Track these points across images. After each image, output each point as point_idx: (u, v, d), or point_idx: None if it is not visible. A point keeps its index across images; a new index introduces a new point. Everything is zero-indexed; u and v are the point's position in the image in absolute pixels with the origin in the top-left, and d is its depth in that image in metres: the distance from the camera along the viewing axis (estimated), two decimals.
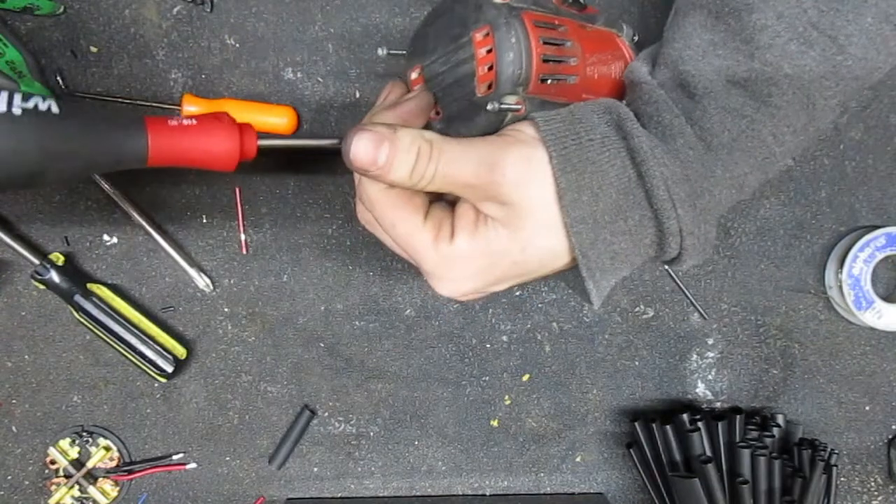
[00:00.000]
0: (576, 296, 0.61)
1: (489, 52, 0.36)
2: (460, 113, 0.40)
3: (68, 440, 0.60)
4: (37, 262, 0.55)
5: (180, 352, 0.58)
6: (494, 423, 0.63)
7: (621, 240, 0.35)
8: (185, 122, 0.34)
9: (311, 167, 0.58)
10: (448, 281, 0.36)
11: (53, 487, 0.60)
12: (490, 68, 0.36)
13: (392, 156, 0.32)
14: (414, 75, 0.43)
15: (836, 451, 0.61)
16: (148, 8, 0.55)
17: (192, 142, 0.35)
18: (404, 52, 0.45)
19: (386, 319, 0.61)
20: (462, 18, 0.38)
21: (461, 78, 0.39)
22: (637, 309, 0.62)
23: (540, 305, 0.61)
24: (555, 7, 0.41)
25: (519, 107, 0.37)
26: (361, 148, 0.32)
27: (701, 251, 0.37)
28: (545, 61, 0.38)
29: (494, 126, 0.37)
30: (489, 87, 0.37)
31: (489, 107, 0.36)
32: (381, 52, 0.45)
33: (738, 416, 0.58)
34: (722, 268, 0.62)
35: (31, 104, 0.30)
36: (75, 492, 0.60)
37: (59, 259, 0.56)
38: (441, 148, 0.33)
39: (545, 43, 0.37)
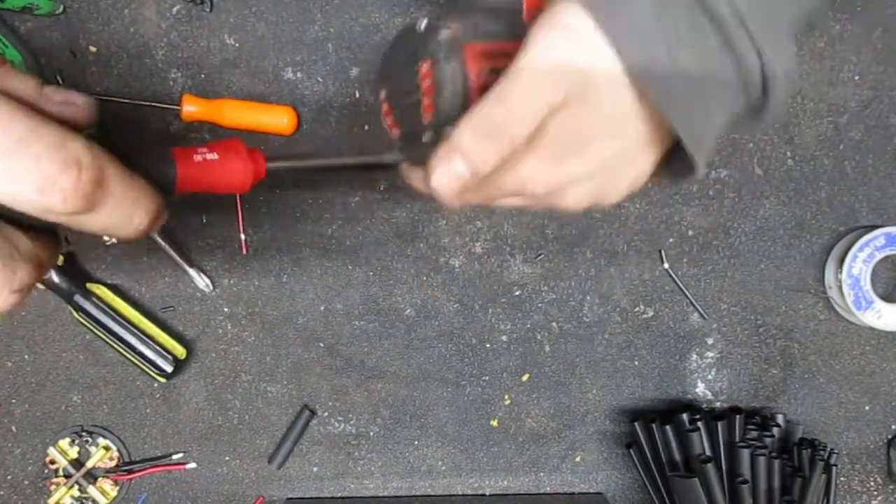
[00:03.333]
0: (578, 294, 0.61)
1: (431, 84, 0.37)
2: (412, 136, 0.41)
3: (68, 440, 0.60)
4: None
5: (180, 352, 0.58)
6: (494, 423, 0.63)
7: (681, 49, 0.31)
8: (208, 156, 0.36)
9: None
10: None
11: (53, 487, 0.60)
12: (432, 100, 0.37)
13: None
14: (382, 94, 0.45)
15: (836, 451, 0.61)
16: (148, 8, 0.54)
17: (214, 173, 0.36)
18: (374, 70, 0.46)
19: (386, 319, 0.61)
20: (413, 48, 0.39)
21: (412, 104, 0.40)
22: (637, 309, 0.62)
23: (540, 305, 0.61)
24: (523, 28, 0.41)
25: None
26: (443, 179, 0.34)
27: (787, 68, 0.32)
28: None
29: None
30: (433, 116, 0.38)
31: (424, 138, 0.37)
32: (353, 72, 0.47)
33: (737, 416, 0.58)
34: (722, 268, 0.62)
35: None
36: (75, 492, 0.60)
37: (58, 259, 0.55)
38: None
39: (492, 71, 0.37)
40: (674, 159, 0.37)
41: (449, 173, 0.34)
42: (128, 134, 0.55)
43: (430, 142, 0.37)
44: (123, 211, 0.30)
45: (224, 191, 0.37)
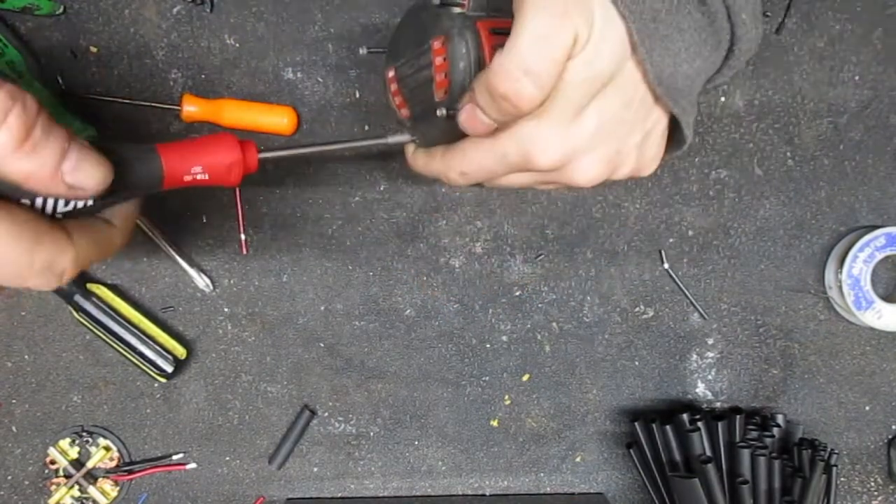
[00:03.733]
0: (578, 294, 0.61)
1: (445, 60, 0.37)
2: (424, 113, 0.41)
3: (68, 440, 0.60)
4: None
5: (180, 352, 0.58)
6: (494, 423, 0.63)
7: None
8: (199, 177, 0.36)
9: (310, 167, 0.58)
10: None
11: (53, 487, 0.60)
12: (446, 75, 0.37)
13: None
14: (390, 74, 0.46)
15: (836, 451, 0.60)
16: (148, 8, 0.55)
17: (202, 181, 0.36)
18: (382, 50, 0.47)
19: (386, 319, 0.61)
20: (424, 26, 0.40)
21: (423, 82, 0.40)
22: (637, 309, 0.62)
23: (540, 305, 0.61)
24: None
25: None
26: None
27: (753, 11, 0.35)
28: None
29: (453, 126, 0.38)
30: (445, 92, 0.38)
31: (438, 112, 0.38)
32: (362, 51, 0.48)
33: (738, 416, 0.58)
34: (722, 268, 0.62)
35: (70, 206, 0.32)
36: (75, 492, 0.60)
37: None
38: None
39: (502, 48, 0.38)
40: (671, 135, 0.38)
41: (475, 118, 0.35)
42: (127, 134, 0.55)
43: (443, 117, 0.38)
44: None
45: (212, 184, 0.37)
